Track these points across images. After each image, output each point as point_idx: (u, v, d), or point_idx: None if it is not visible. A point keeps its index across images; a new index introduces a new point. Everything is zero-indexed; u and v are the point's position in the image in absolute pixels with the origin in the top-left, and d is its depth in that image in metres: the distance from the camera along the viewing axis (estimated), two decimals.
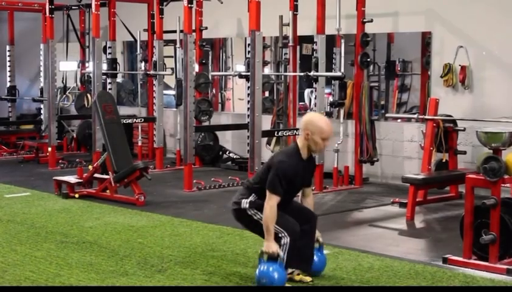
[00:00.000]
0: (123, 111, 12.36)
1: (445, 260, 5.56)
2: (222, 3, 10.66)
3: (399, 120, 9.75)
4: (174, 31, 10.95)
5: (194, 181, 9.07)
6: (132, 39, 12.04)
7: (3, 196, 8.55)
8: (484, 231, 5.37)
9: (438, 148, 8.05)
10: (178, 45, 10.87)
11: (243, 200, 4.99)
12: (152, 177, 8.41)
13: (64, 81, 13.48)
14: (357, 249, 6.03)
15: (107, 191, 8.28)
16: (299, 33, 9.65)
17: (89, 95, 12.26)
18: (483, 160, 5.41)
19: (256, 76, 8.09)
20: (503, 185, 5.40)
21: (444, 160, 8.23)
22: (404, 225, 7.24)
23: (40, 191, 8.90)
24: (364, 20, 9.10)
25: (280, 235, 4.86)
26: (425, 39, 9.47)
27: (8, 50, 13.46)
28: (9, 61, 13.49)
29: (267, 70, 10.77)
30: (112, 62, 11.29)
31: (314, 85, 8.73)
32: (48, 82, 11.16)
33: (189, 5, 8.97)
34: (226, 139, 11.46)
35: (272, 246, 4.80)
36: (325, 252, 5.29)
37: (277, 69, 10.67)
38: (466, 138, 8.54)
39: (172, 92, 11.39)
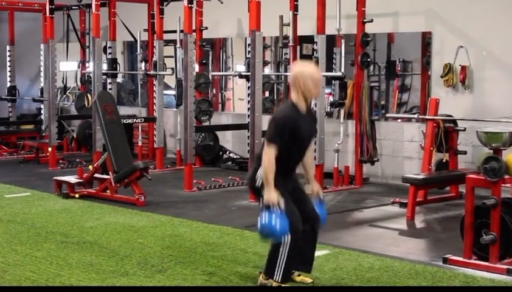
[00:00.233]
0: (123, 111, 12.36)
1: (445, 260, 5.56)
2: (222, 3, 10.66)
3: (399, 120, 9.75)
4: (175, 31, 10.96)
5: (195, 181, 9.07)
6: (133, 39, 12.03)
7: (3, 196, 8.55)
8: (485, 231, 5.37)
9: (438, 148, 8.05)
10: (178, 45, 10.87)
11: (257, 176, 4.90)
12: (152, 178, 8.41)
13: (64, 81, 13.48)
14: (358, 249, 6.03)
15: (108, 191, 8.28)
16: (299, 33, 9.66)
17: (89, 95, 12.27)
18: (483, 160, 5.41)
19: (257, 76, 8.09)
20: (503, 185, 5.40)
21: (444, 160, 8.23)
22: (404, 226, 7.24)
23: (40, 191, 8.90)
24: (364, 20, 9.10)
25: None
26: (426, 39, 9.47)
27: (9, 50, 13.47)
28: (9, 61, 13.50)
29: (268, 70, 10.77)
30: (113, 63, 11.30)
31: None
32: (49, 82, 11.16)
33: (189, 5, 8.97)
34: (226, 139, 11.47)
35: (272, 197, 4.74)
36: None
37: (277, 69, 10.67)
38: (466, 138, 8.54)
39: (173, 92, 11.39)
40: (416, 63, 9.99)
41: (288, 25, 9.63)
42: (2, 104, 13.93)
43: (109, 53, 11.29)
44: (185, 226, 6.92)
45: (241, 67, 10.67)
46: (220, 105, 12.24)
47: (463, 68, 8.87)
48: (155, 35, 11.12)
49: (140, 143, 11.69)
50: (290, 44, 9.57)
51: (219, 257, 5.73)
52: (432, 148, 7.95)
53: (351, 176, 9.30)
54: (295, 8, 9.42)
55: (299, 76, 4.91)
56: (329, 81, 9.17)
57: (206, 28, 10.96)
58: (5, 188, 9.12)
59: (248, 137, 8.60)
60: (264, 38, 8.41)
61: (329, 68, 9.05)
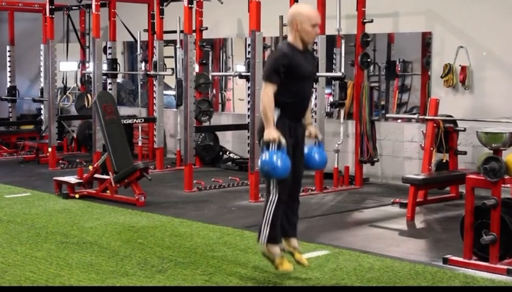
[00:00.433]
0: (124, 111, 12.36)
1: (445, 261, 5.56)
2: (222, 3, 10.66)
3: (399, 121, 9.75)
4: (175, 32, 10.96)
5: (195, 181, 9.06)
6: (133, 40, 12.03)
7: (3, 196, 8.55)
8: (485, 231, 5.37)
9: (438, 149, 8.05)
10: (178, 45, 10.87)
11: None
12: (152, 178, 8.41)
13: (65, 82, 13.48)
14: (358, 249, 6.03)
15: (108, 191, 8.28)
16: None
17: (89, 96, 12.27)
18: (483, 160, 5.41)
19: (257, 76, 8.08)
20: (503, 185, 5.40)
21: (444, 161, 8.22)
22: (405, 226, 7.24)
23: (40, 191, 8.90)
24: (364, 20, 9.10)
25: (270, 188, 4.86)
26: (426, 40, 9.47)
27: (9, 51, 13.46)
28: (9, 61, 13.50)
29: None
30: (113, 63, 11.30)
31: (314, 85, 8.72)
32: (49, 82, 11.16)
33: (189, 6, 8.97)
34: (226, 139, 11.46)
35: (272, 133, 4.72)
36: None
37: None
38: (467, 138, 8.54)
39: (173, 93, 11.39)
40: (416, 63, 9.99)
41: None
42: (2, 104, 13.94)
43: (109, 54, 11.30)
44: (185, 226, 6.92)
45: (241, 68, 10.67)
46: (220, 105, 12.24)
47: (463, 68, 8.87)
48: (155, 35, 11.11)
49: (140, 144, 11.68)
50: None
51: (219, 257, 5.73)
52: (432, 149, 7.95)
53: (351, 176, 9.30)
54: None
55: (297, 17, 4.86)
56: (329, 81, 9.17)
57: (206, 28, 10.96)
58: (5, 189, 9.12)
59: (248, 137, 8.60)
60: (264, 38, 8.40)
61: (329, 68, 9.05)
